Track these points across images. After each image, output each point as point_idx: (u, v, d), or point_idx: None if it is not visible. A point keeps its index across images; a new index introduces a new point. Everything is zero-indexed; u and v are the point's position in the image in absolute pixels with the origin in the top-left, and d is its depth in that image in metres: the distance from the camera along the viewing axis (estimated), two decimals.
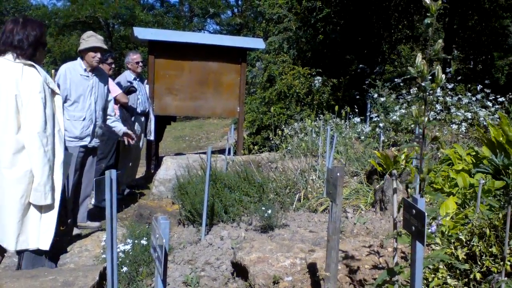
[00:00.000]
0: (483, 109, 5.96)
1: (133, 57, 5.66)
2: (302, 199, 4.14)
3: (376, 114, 6.72)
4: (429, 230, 2.41)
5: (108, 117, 4.32)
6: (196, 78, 6.40)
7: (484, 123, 5.53)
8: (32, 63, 2.86)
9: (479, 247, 2.19)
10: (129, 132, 4.41)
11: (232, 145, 6.01)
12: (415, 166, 1.71)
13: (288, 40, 11.05)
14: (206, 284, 2.77)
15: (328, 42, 10.74)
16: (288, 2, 11.10)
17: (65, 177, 3.11)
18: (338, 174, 2.01)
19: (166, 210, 4.56)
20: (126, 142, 4.47)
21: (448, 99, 6.17)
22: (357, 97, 8.60)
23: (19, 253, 3.01)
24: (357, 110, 7.18)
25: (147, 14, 22.49)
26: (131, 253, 3.11)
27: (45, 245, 2.91)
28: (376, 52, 11.26)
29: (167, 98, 6.31)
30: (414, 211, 1.49)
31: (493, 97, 6.25)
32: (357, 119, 6.97)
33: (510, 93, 6.32)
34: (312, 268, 2.52)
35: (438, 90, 6.25)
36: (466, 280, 2.15)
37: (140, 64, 5.68)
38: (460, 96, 6.25)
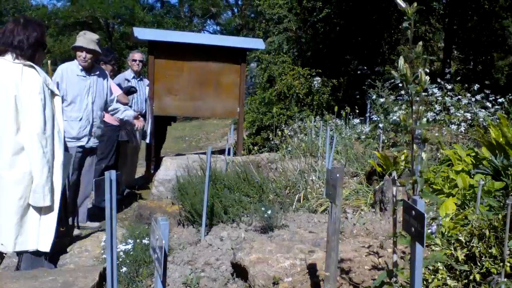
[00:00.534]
0: (483, 110, 5.96)
1: (133, 55, 5.68)
2: (301, 200, 4.14)
3: (375, 115, 6.72)
4: (429, 231, 2.41)
5: (115, 110, 4.36)
6: (196, 78, 6.40)
7: (484, 124, 5.53)
8: (32, 64, 2.86)
9: (478, 248, 2.19)
10: (137, 114, 4.58)
11: (232, 146, 6.01)
12: (408, 169, 1.71)
13: (288, 40, 11.05)
14: (206, 285, 2.77)
15: (328, 42, 10.73)
16: (288, 2, 11.10)
17: (65, 179, 3.11)
18: (337, 175, 2.01)
19: (165, 211, 4.56)
20: (137, 126, 4.67)
21: (447, 99, 6.17)
22: (357, 97, 8.60)
23: (19, 254, 3.01)
24: (357, 111, 7.18)
25: (147, 15, 22.48)
26: (131, 253, 3.11)
27: (46, 247, 2.90)
28: (376, 52, 11.25)
29: (167, 99, 6.30)
30: (413, 212, 1.49)
31: (493, 97, 6.24)
32: (357, 120, 6.97)
33: (510, 94, 6.32)
34: (312, 269, 2.52)
35: (437, 90, 6.27)
36: (466, 281, 2.14)
37: (137, 62, 5.67)
38: (459, 97, 6.25)
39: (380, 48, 11.51)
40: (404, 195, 3.15)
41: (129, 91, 5.38)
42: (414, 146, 1.64)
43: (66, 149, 3.12)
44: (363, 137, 6.35)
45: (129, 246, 3.17)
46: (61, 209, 3.02)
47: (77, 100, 4.00)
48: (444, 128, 5.54)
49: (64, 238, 3.67)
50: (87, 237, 3.87)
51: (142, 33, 6.30)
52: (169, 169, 5.26)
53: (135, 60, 5.66)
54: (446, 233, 2.53)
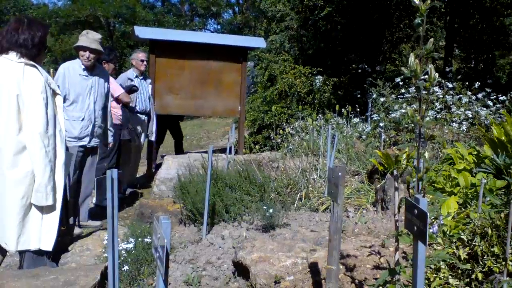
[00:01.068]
0: (484, 108, 5.95)
1: (139, 55, 5.67)
2: (303, 199, 4.13)
3: (377, 114, 6.72)
4: (431, 230, 2.40)
5: None
6: (197, 77, 6.40)
7: (486, 122, 5.52)
8: (34, 63, 2.86)
9: (481, 247, 2.18)
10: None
11: (233, 144, 6.01)
12: (414, 166, 1.70)
13: (289, 39, 11.04)
14: (208, 284, 2.77)
15: (329, 41, 10.73)
16: (289, 1, 11.08)
17: (66, 178, 3.11)
18: (339, 173, 2.01)
19: (167, 209, 4.56)
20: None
21: (448, 97, 6.16)
22: (358, 96, 8.59)
23: (21, 252, 3.01)
24: (358, 109, 7.17)
25: (148, 14, 22.48)
26: (133, 252, 3.11)
27: (48, 246, 2.90)
28: (378, 51, 11.24)
29: (168, 97, 6.30)
30: (416, 211, 1.48)
31: (494, 96, 6.23)
32: (358, 119, 6.97)
33: (511, 92, 6.31)
34: (313, 268, 2.52)
35: (438, 89, 6.26)
36: (468, 280, 2.14)
37: (145, 62, 5.69)
38: (461, 95, 6.24)
39: (381, 47, 11.51)
40: (405, 193, 3.15)
41: (131, 90, 5.38)
42: (420, 142, 1.63)
43: (66, 148, 3.12)
44: (364, 136, 6.35)
45: (131, 245, 3.18)
46: (62, 208, 3.02)
47: (79, 100, 3.99)
48: (445, 127, 5.54)
49: (66, 237, 3.67)
50: (89, 236, 3.87)
51: (143, 32, 6.30)
52: (171, 167, 5.26)
53: (142, 61, 5.66)
54: (448, 232, 2.52)
